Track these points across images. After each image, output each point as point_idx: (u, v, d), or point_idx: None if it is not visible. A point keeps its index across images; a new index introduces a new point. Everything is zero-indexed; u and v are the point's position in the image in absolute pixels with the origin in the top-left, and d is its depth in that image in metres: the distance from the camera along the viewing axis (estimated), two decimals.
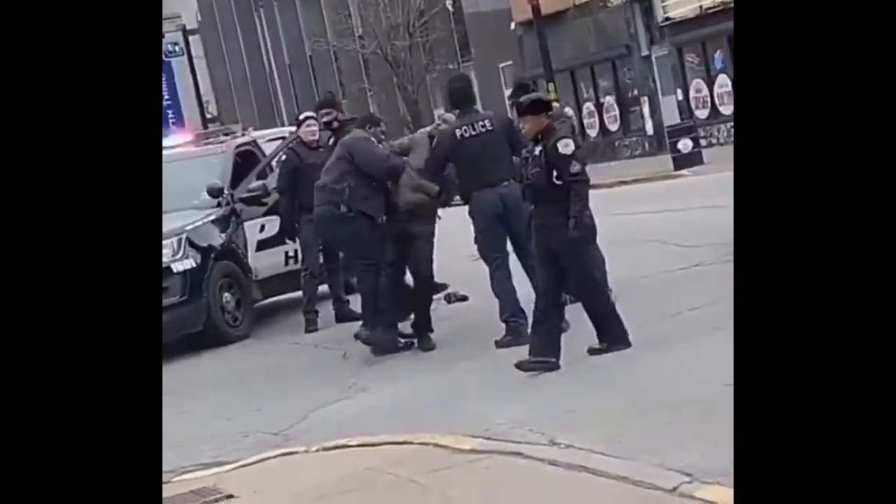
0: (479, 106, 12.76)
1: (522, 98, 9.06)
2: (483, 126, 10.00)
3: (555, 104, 27.32)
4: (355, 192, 10.52)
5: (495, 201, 9.86)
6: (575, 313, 9.81)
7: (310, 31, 50.21)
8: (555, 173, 8.49)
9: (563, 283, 8.84)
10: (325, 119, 12.12)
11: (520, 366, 8.53)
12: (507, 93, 39.21)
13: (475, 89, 32.30)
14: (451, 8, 41.11)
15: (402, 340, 10.63)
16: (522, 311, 9.70)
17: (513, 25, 36.41)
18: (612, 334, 8.74)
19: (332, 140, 11.73)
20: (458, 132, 10.03)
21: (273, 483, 7.35)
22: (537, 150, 8.60)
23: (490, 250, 9.99)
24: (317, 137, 12.42)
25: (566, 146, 8.49)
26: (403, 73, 41.48)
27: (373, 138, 10.80)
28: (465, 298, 11.96)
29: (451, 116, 10.86)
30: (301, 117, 13.13)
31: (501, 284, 9.90)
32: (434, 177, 10.31)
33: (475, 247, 10.27)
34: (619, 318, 8.76)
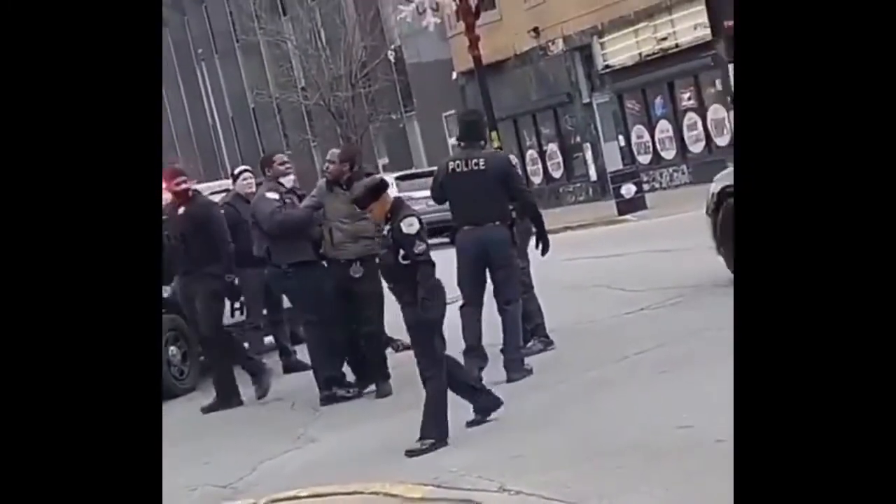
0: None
1: (357, 192, 8.76)
2: (476, 164, 9.87)
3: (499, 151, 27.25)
4: (279, 249, 10.64)
5: (475, 240, 9.83)
6: (529, 359, 9.86)
7: (252, 83, 50.24)
8: (402, 252, 8.36)
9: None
10: (177, 188, 11.42)
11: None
12: (451, 141, 39.44)
13: (418, 139, 31.76)
14: (392, 59, 41.32)
15: (349, 390, 10.63)
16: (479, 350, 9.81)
17: (454, 75, 36.64)
18: (431, 428, 8.29)
19: (182, 209, 11.38)
20: (451, 165, 9.99)
21: None
22: (386, 229, 8.52)
23: (463, 287, 9.94)
24: (253, 190, 12.31)
25: (410, 226, 8.35)
26: (347, 123, 41.58)
27: (273, 181, 10.95)
28: (410, 347, 11.94)
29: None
30: (236, 171, 13.10)
31: (466, 321, 9.87)
32: (438, 204, 10.28)
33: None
34: (444, 412, 8.34)
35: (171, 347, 12.77)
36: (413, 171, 31.93)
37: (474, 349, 9.85)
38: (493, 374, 9.63)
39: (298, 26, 43.90)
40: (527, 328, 10.51)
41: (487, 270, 9.93)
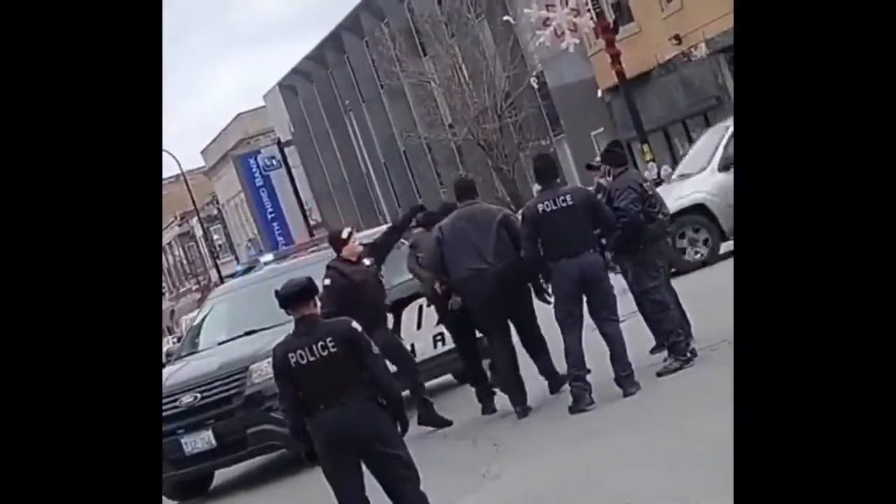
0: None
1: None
2: (564, 201, 10.54)
3: (650, 163, 27.26)
4: None
5: (574, 270, 10.44)
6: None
7: (400, 126, 50.78)
8: None
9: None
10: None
11: None
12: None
13: (559, 164, 31.44)
14: (535, 85, 41.32)
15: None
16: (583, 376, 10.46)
17: (599, 93, 36.47)
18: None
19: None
20: (540, 207, 10.60)
21: None
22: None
23: (563, 316, 10.60)
24: (360, 251, 12.19)
25: None
26: (497, 154, 41.70)
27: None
28: None
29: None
30: (344, 235, 12.61)
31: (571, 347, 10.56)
32: (530, 253, 10.81)
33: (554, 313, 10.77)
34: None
35: None
36: None
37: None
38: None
39: (439, 64, 44.23)
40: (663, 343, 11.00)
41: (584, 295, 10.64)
